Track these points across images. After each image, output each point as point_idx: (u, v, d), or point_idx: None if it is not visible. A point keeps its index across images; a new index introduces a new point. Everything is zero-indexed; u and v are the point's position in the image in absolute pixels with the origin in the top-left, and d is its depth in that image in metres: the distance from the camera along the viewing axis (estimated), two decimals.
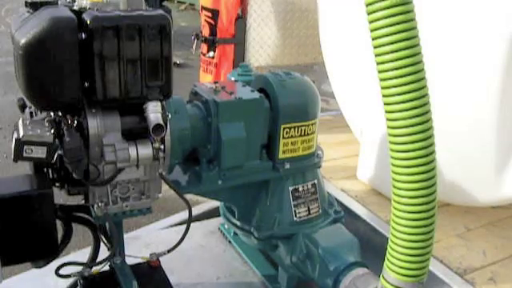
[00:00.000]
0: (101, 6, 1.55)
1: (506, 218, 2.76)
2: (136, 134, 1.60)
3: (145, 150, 1.59)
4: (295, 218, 2.04)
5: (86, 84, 1.50)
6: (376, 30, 1.36)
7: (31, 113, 1.60)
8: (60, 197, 1.67)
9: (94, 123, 1.55)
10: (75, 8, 1.56)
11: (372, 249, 2.16)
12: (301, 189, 2.05)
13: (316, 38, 3.62)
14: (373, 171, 2.89)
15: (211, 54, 3.79)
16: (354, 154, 3.16)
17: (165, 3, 9.09)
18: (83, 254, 1.99)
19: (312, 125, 1.98)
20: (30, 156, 1.46)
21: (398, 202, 1.45)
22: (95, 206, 1.66)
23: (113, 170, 1.61)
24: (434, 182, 1.44)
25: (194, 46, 4.06)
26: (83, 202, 1.74)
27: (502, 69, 2.24)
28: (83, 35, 1.45)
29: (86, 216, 1.79)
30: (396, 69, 1.35)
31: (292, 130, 1.93)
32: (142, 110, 1.56)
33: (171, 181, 1.78)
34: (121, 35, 1.47)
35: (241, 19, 3.83)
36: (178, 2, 13.56)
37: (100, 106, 1.55)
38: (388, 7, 1.33)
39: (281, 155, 1.96)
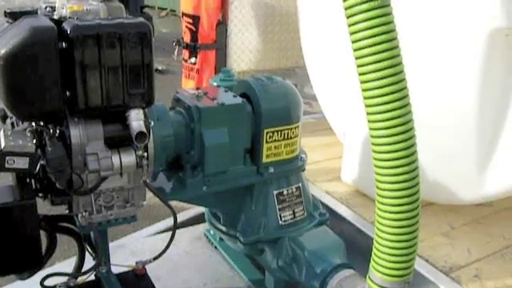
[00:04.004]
0: (81, 14, 1.55)
1: (490, 215, 2.78)
2: (119, 142, 1.60)
3: (128, 158, 1.59)
4: (280, 222, 2.04)
5: (68, 93, 1.49)
6: (355, 33, 1.38)
7: (12, 123, 1.59)
8: (44, 207, 1.66)
9: (76, 132, 1.54)
10: (55, 17, 1.56)
11: (358, 250, 2.17)
12: (285, 192, 2.06)
13: (297, 42, 3.63)
14: (356, 173, 2.90)
15: (193, 60, 3.79)
16: (338, 156, 3.17)
17: (145, 10, 9.08)
18: (68, 264, 1.98)
19: (295, 128, 1.99)
20: (12, 167, 1.44)
21: (382, 203, 1.46)
22: (79, 215, 1.65)
23: (96, 179, 1.60)
24: (417, 181, 1.45)
25: (176, 53, 4.06)
26: (67, 211, 1.72)
27: (480, 67, 2.27)
28: (64, 44, 1.45)
29: (71, 226, 1.78)
30: (376, 71, 1.37)
31: (275, 134, 1.94)
32: (124, 117, 1.56)
33: (155, 188, 1.78)
34: (101, 44, 1.46)
35: (222, 25, 3.83)
36: (158, 8, 13.54)
37: (82, 114, 1.54)
38: (367, 10, 1.35)
39: (264, 159, 1.96)
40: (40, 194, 1.63)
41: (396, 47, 1.38)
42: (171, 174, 1.93)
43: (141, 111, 1.57)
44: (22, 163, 1.45)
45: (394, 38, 1.38)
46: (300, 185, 2.11)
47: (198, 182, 1.87)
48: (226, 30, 3.84)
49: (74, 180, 1.57)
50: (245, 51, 3.92)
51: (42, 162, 1.48)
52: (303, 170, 2.14)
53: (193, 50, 3.79)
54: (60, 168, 1.48)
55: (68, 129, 1.54)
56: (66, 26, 1.45)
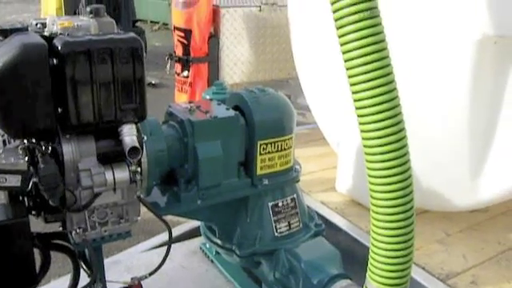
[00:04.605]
0: (72, 30, 1.55)
1: (484, 221, 2.79)
2: (112, 157, 1.59)
3: (121, 174, 1.58)
4: (276, 234, 2.04)
5: (60, 110, 1.49)
6: (346, 44, 1.39)
7: (4, 141, 1.58)
8: (37, 224, 1.65)
9: (68, 149, 1.53)
10: (46, 34, 1.55)
11: (354, 260, 2.17)
12: (280, 204, 2.05)
13: (289, 53, 3.65)
14: (351, 182, 2.91)
15: (185, 73, 3.81)
16: (332, 166, 3.18)
17: (138, 24, 9.10)
18: (63, 282, 1.96)
19: (288, 140, 1.99)
20: (4, 185, 1.44)
21: (377, 212, 1.46)
22: (73, 232, 1.64)
23: (90, 195, 1.59)
24: (411, 190, 1.45)
25: (168, 66, 4.07)
26: (61, 228, 1.71)
27: (470, 74, 2.29)
28: (55, 61, 1.44)
29: (65, 243, 1.76)
30: (367, 81, 1.38)
31: (269, 145, 1.94)
32: (117, 133, 1.56)
33: (150, 203, 1.77)
34: (92, 59, 1.46)
35: (214, 38, 3.86)
36: (151, 22, 13.56)
37: (74, 131, 1.54)
38: (357, 21, 1.36)
39: (259, 171, 1.96)
40: (33, 212, 1.61)
41: (386, 57, 1.39)
42: (165, 189, 1.93)
43: (133, 126, 1.56)
44: (14, 181, 1.44)
45: (384, 48, 1.39)
46: (295, 196, 2.10)
47: (192, 195, 1.87)
48: (218, 42, 3.86)
49: (67, 197, 1.56)
50: (237, 63, 3.94)
51: (34, 179, 1.47)
52: (298, 181, 2.14)
53: (185, 63, 3.80)
54: (53, 185, 1.47)
55: (60, 145, 1.53)
56: (57, 43, 1.45)
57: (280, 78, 4.37)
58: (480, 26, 2.19)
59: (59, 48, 1.44)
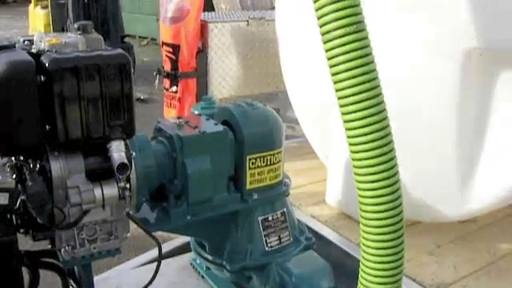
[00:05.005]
0: (59, 47, 1.55)
1: (474, 231, 2.80)
2: (100, 174, 1.58)
3: (110, 190, 1.58)
4: (267, 248, 2.03)
5: (48, 127, 1.48)
6: (333, 58, 1.40)
7: None
8: (26, 242, 1.63)
9: (56, 166, 1.53)
10: (33, 51, 1.55)
11: (345, 272, 2.16)
12: (270, 218, 2.05)
13: (277, 67, 3.67)
14: (341, 195, 2.91)
15: (174, 88, 3.81)
16: (322, 179, 3.18)
17: (126, 39, 9.12)
18: None
19: (278, 153, 1.99)
20: None
21: (366, 225, 1.47)
22: (62, 250, 1.63)
23: (78, 212, 1.58)
24: (400, 202, 1.46)
25: (157, 82, 4.08)
26: (50, 246, 1.70)
27: (457, 85, 2.31)
28: (42, 78, 1.44)
29: (54, 261, 1.75)
30: (355, 94, 1.39)
31: (258, 160, 1.94)
32: (105, 149, 1.55)
33: (139, 219, 1.76)
34: (80, 76, 1.46)
35: (202, 53, 3.87)
36: (139, 37, 13.58)
37: (62, 148, 1.53)
38: (343, 35, 1.37)
39: (248, 186, 1.96)
40: (21, 230, 1.60)
41: (373, 70, 1.40)
42: (155, 205, 1.92)
43: (122, 142, 1.56)
44: (2, 199, 1.43)
45: (371, 62, 1.40)
46: (285, 210, 2.10)
47: (182, 211, 1.86)
48: (207, 57, 3.87)
49: (56, 214, 1.55)
50: (226, 78, 3.95)
51: (22, 197, 1.46)
52: (287, 195, 2.14)
53: (174, 78, 3.81)
54: (41, 203, 1.46)
55: (48, 162, 1.52)
56: (45, 60, 1.45)
57: (269, 92, 4.38)
58: (466, 38, 2.21)
59: (47, 65, 1.44)
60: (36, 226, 1.57)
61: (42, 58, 1.47)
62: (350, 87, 1.38)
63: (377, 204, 1.42)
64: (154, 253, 2.76)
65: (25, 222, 1.58)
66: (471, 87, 2.34)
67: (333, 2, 1.36)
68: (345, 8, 1.36)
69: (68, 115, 1.48)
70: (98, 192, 1.56)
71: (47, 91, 1.45)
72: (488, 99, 2.35)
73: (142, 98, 7.58)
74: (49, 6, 9.53)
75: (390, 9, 2.45)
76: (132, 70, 1.59)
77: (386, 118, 1.43)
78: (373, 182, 1.41)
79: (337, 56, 1.38)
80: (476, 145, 2.43)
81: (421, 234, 2.73)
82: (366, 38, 1.40)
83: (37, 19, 10.46)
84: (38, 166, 1.52)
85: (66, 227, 1.58)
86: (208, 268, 2.44)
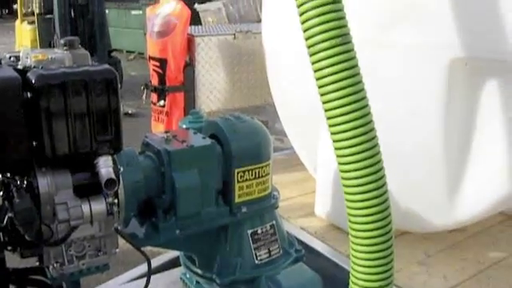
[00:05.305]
0: (46, 63, 1.55)
1: (463, 241, 2.82)
2: (88, 189, 1.57)
3: (98, 206, 1.57)
4: (256, 261, 2.02)
5: (35, 143, 1.48)
6: (319, 70, 1.41)
7: None
8: (14, 259, 1.62)
9: (44, 182, 1.52)
10: (19, 67, 1.55)
11: (335, 284, 2.16)
12: (260, 231, 2.05)
13: (265, 80, 3.68)
14: (330, 207, 2.92)
15: (162, 102, 3.81)
16: (311, 191, 3.19)
17: (113, 54, 9.11)
18: None
19: (266, 166, 2.00)
20: None
21: (356, 236, 1.47)
22: (50, 267, 1.61)
23: (66, 229, 1.57)
24: (389, 212, 1.47)
25: (144, 96, 4.07)
26: (38, 263, 1.68)
27: (443, 94, 2.33)
28: (29, 94, 1.44)
29: (42, 278, 1.73)
30: (342, 106, 1.40)
31: (246, 173, 1.94)
32: (93, 165, 1.55)
33: (128, 234, 1.76)
34: (67, 92, 1.46)
35: (189, 66, 3.88)
36: (126, 51, 13.60)
37: (50, 164, 1.52)
38: (329, 48, 1.39)
39: (237, 199, 1.96)
40: (9, 247, 1.59)
41: (359, 82, 1.42)
42: (143, 220, 1.91)
43: (109, 158, 1.56)
44: None
45: (357, 74, 1.42)
46: (274, 222, 2.10)
47: (171, 225, 1.85)
48: (194, 71, 3.88)
49: (44, 231, 1.54)
50: (213, 91, 3.96)
51: (9, 214, 1.45)
52: (277, 208, 2.14)
53: (161, 92, 3.81)
54: (28, 220, 1.45)
55: (36, 179, 1.51)
56: (31, 76, 1.45)
57: (257, 105, 4.39)
58: (451, 48, 2.24)
59: (33, 81, 1.44)
60: (24, 243, 1.55)
61: (29, 74, 1.47)
62: (336, 99, 1.39)
63: (365, 215, 1.43)
64: (143, 268, 2.73)
65: (12, 239, 1.57)
66: (457, 98, 2.36)
67: (319, 15, 1.38)
68: (331, 20, 1.38)
69: (55, 131, 1.47)
70: (86, 208, 1.55)
71: (34, 107, 1.44)
72: (474, 110, 2.37)
73: (129, 112, 7.57)
74: (36, 21, 9.52)
75: (375, 22, 2.48)
76: (119, 85, 1.60)
77: (372, 129, 1.44)
78: (361, 193, 1.42)
79: (323, 68, 1.40)
80: (463, 154, 2.45)
81: (410, 244, 2.73)
82: (351, 50, 1.41)
83: (24, 35, 10.45)
84: (25, 182, 1.51)
85: (54, 244, 1.57)
86: (198, 282, 2.43)
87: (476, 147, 2.42)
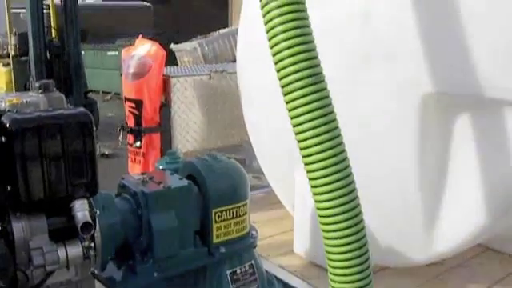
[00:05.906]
0: (20, 107, 1.55)
1: (442, 274, 2.82)
2: (64, 233, 1.56)
3: (74, 250, 1.55)
4: None
5: (9, 188, 1.46)
6: (294, 109, 1.44)
7: None
8: None
9: (19, 227, 1.50)
10: None
11: None
12: (238, 271, 2.03)
13: (241, 119, 3.70)
14: (309, 244, 2.91)
15: (138, 143, 3.80)
16: (289, 229, 3.18)
17: (90, 95, 9.09)
18: None
19: (243, 206, 2.00)
20: None
21: (334, 274, 1.47)
22: None
23: (42, 274, 1.54)
24: (366, 249, 1.48)
25: (121, 137, 4.06)
26: None
27: (417, 130, 2.37)
28: (3, 139, 1.43)
29: None
30: (316, 144, 1.42)
31: (224, 213, 1.94)
32: (68, 209, 1.53)
33: (105, 278, 1.73)
34: (42, 136, 1.46)
35: (165, 107, 3.88)
36: (103, 92, 13.57)
37: (25, 208, 1.51)
38: (303, 87, 1.42)
39: (215, 240, 1.95)
40: None
41: (334, 120, 1.45)
42: (121, 263, 1.88)
43: (85, 201, 1.55)
44: None
45: (331, 112, 1.45)
46: (253, 262, 2.09)
47: (148, 268, 1.83)
48: (170, 112, 3.88)
49: (19, 277, 1.51)
50: (189, 132, 3.96)
51: None
52: (255, 247, 2.13)
53: (137, 134, 3.80)
54: (2, 266, 1.43)
55: (10, 224, 1.49)
56: (5, 120, 1.45)
57: (234, 144, 4.40)
58: (422, 84, 2.28)
59: (7, 125, 1.44)
60: None
61: (3, 118, 1.47)
62: (311, 137, 1.41)
63: (343, 252, 1.44)
64: None
65: None
66: (430, 133, 2.39)
67: (292, 55, 1.41)
68: (304, 60, 1.41)
69: (30, 176, 1.46)
70: (61, 252, 1.53)
71: (8, 152, 1.44)
72: (447, 144, 2.41)
73: (106, 153, 7.52)
74: (11, 63, 9.49)
75: (347, 62, 2.53)
76: (94, 128, 1.60)
77: (348, 167, 1.46)
78: (338, 230, 1.43)
79: (297, 108, 1.42)
80: (439, 189, 2.48)
81: (390, 279, 2.73)
82: (324, 88, 1.45)
83: None
84: None
85: None
86: None
87: (451, 181, 2.46)
